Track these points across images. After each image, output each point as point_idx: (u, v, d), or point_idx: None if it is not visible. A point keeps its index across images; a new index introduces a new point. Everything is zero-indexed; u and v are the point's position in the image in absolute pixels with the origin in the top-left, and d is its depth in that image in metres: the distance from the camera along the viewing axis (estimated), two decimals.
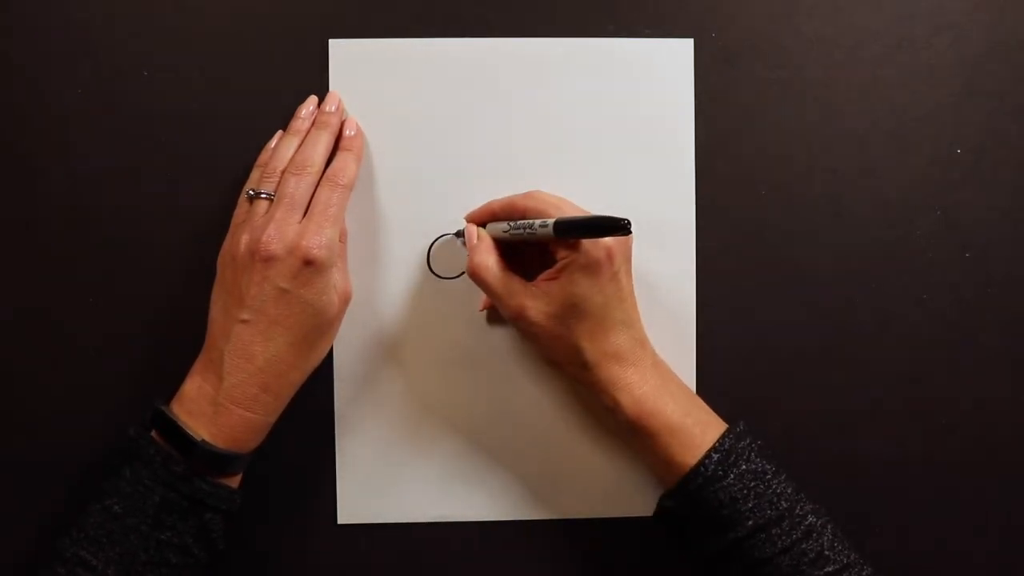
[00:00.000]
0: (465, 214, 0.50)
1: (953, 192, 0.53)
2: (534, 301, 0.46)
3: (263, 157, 0.50)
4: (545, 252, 0.47)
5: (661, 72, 0.52)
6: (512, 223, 0.47)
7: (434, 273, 0.52)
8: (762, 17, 0.52)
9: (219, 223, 0.51)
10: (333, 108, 0.50)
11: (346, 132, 0.49)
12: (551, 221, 0.44)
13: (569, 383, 0.52)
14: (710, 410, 0.48)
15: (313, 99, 0.50)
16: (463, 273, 0.52)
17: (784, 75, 0.52)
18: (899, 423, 0.53)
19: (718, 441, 0.45)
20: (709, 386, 0.52)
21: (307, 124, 0.49)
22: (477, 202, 0.51)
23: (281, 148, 0.48)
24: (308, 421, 0.51)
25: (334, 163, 0.48)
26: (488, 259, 0.47)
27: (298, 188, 0.46)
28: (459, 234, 0.50)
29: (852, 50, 0.52)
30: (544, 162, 0.52)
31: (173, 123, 0.51)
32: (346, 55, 0.51)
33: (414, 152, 0.52)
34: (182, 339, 0.49)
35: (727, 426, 0.47)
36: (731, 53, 0.52)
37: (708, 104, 0.52)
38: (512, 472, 0.52)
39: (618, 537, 0.53)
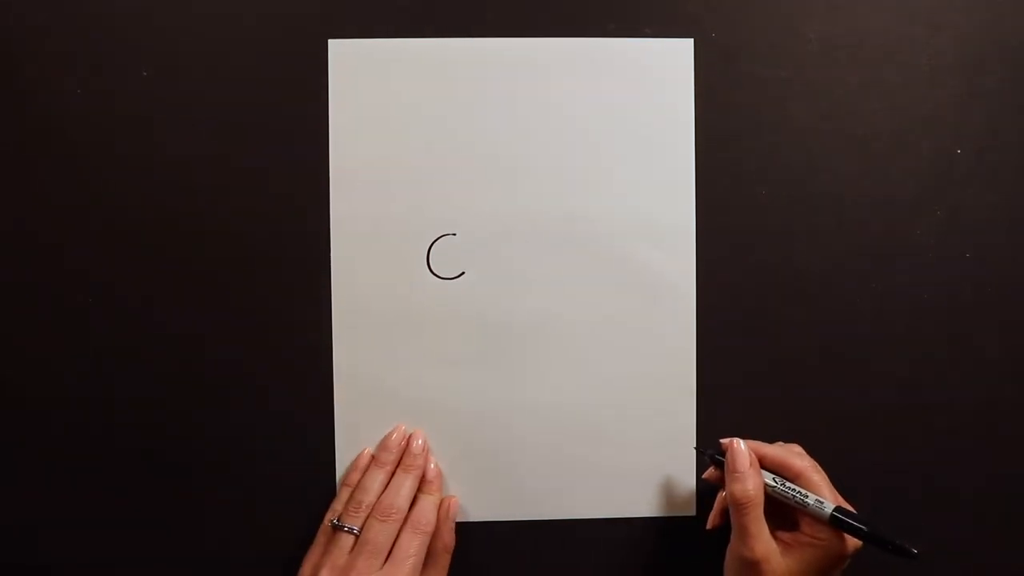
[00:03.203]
0: (725, 440, 0.49)
1: (953, 192, 0.53)
2: (776, 556, 0.45)
3: (351, 477, 0.51)
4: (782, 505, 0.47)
5: (661, 72, 0.52)
6: (779, 481, 0.47)
7: (434, 273, 0.52)
8: (762, 17, 0.52)
9: (218, 224, 0.51)
10: (419, 450, 0.51)
11: (428, 475, 0.51)
12: (829, 507, 0.45)
13: (570, 383, 0.52)
14: None
15: (401, 428, 0.51)
16: (463, 273, 0.52)
17: (784, 75, 0.52)
18: (899, 423, 0.53)
19: None
20: (709, 386, 0.52)
21: (395, 456, 0.51)
22: (477, 202, 0.51)
23: (368, 481, 0.50)
24: (308, 421, 0.51)
25: (417, 508, 0.49)
26: (761, 495, 0.46)
27: (382, 534, 0.47)
28: (705, 452, 0.50)
29: (852, 50, 0.52)
30: (544, 162, 0.52)
31: (173, 123, 0.51)
32: (346, 55, 0.51)
33: (414, 152, 0.52)
34: (172, 339, 0.49)
35: None
36: (731, 53, 0.52)
37: (708, 104, 0.52)
38: (512, 472, 0.52)
39: (618, 537, 0.53)
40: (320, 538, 0.49)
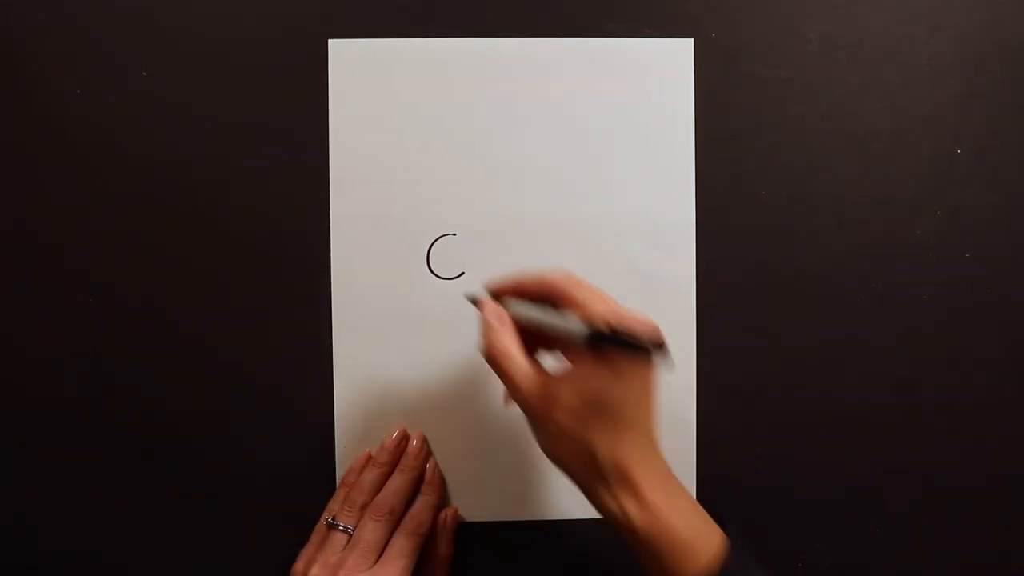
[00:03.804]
0: (487, 283, 0.46)
1: (953, 192, 0.53)
2: (555, 392, 0.41)
3: (349, 477, 0.51)
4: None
5: (661, 72, 0.52)
6: (537, 312, 0.43)
7: (434, 273, 0.52)
8: (762, 17, 0.52)
9: (218, 224, 0.51)
10: (417, 450, 0.51)
11: (426, 476, 0.51)
12: (585, 330, 0.40)
13: None
14: (711, 520, 0.44)
15: (400, 429, 0.51)
16: (463, 273, 0.52)
17: (784, 75, 0.52)
18: (898, 423, 0.53)
19: (721, 564, 0.41)
20: (709, 387, 0.52)
21: (392, 457, 0.51)
22: (477, 202, 0.51)
23: (364, 481, 0.50)
24: (308, 421, 0.51)
25: (413, 509, 0.49)
26: (510, 345, 0.42)
27: (375, 534, 0.47)
28: (473, 301, 0.46)
29: (852, 50, 0.52)
30: (544, 162, 0.52)
31: (173, 123, 0.51)
32: (346, 55, 0.51)
33: (414, 152, 0.52)
34: (172, 339, 0.49)
35: (725, 539, 0.43)
36: (731, 53, 0.52)
37: (708, 104, 0.52)
38: (512, 472, 0.52)
39: (618, 537, 0.52)
40: (315, 536, 0.49)
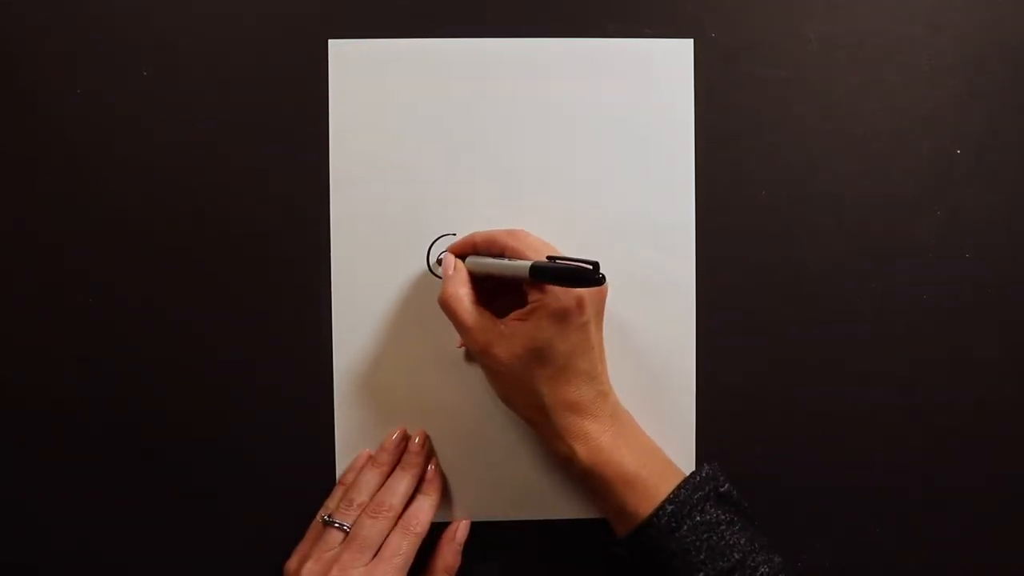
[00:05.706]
0: (450, 246, 0.50)
1: (953, 192, 0.53)
2: (501, 339, 0.46)
3: (347, 476, 0.51)
4: (520, 294, 0.47)
5: (661, 72, 0.52)
6: (490, 260, 0.47)
7: (434, 273, 0.52)
8: (762, 17, 0.52)
9: (218, 224, 0.51)
10: (417, 448, 0.51)
11: (426, 475, 0.51)
12: (528, 263, 0.44)
13: None
14: (669, 460, 0.48)
15: (401, 430, 0.51)
16: None
17: (784, 75, 0.52)
18: (898, 423, 0.53)
19: (673, 492, 0.45)
20: (709, 386, 0.52)
21: (392, 457, 0.51)
22: (477, 202, 0.51)
23: (362, 481, 0.50)
24: (308, 421, 0.51)
25: (411, 508, 0.49)
26: (461, 290, 0.47)
27: (372, 530, 0.47)
28: (439, 262, 0.51)
29: (852, 50, 0.52)
30: (544, 162, 0.52)
31: (173, 123, 0.51)
32: (346, 55, 0.51)
33: (414, 152, 0.52)
34: (172, 339, 0.49)
35: (685, 476, 0.47)
36: (731, 53, 0.52)
37: (708, 104, 0.52)
38: (512, 472, 0.52)
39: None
40: (309, 533, 0.49)
